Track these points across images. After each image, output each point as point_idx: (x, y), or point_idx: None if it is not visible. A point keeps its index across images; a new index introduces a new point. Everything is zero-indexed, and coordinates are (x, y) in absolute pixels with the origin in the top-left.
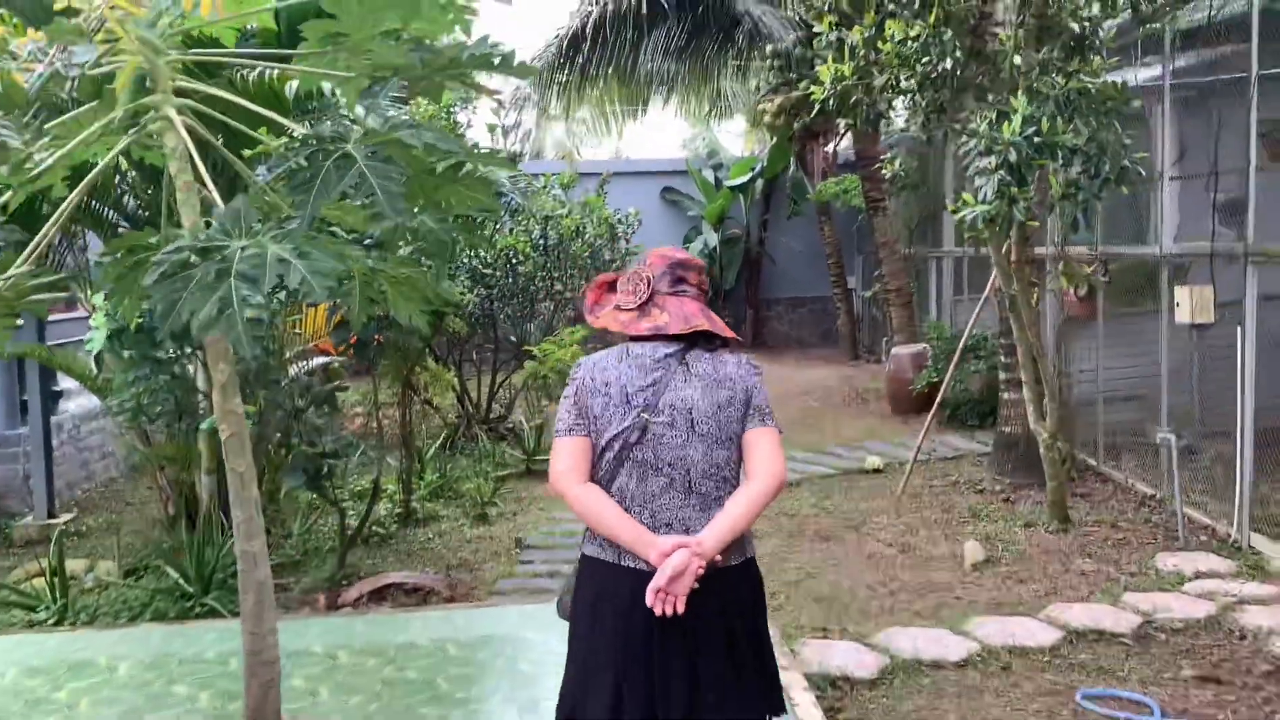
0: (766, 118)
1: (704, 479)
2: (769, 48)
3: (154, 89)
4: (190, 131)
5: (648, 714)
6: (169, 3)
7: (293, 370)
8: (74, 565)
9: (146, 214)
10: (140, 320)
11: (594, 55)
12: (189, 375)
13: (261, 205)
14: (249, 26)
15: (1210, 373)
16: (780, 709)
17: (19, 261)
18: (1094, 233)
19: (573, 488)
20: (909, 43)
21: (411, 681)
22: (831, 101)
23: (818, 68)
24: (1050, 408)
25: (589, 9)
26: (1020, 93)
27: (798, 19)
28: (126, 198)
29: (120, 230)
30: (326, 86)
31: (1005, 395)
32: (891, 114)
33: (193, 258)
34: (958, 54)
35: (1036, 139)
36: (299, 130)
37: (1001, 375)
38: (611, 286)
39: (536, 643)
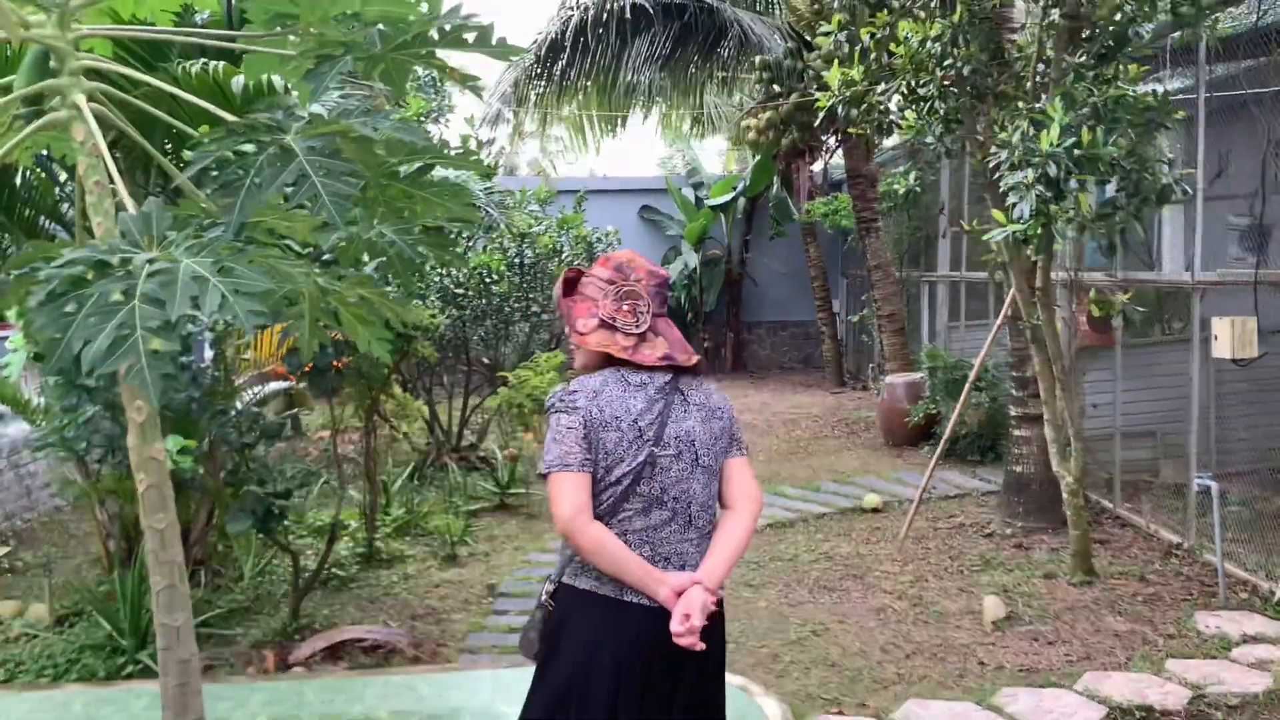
0: (751, 134)
1: (702, 511)
2: (757, 59)
3: (59, 71)
4: (107, 124)
5: None
6: None
7: (246, 398)
8: (4, 608)
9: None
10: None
11: (574, 63)
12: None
13: (196, 213)
14: (196, 15)
15: (1241, 410)
16: None
17: None
18: (1114, 257)
19: (587, 529)
20: (928, 43)
21: None
22: (842, 108)
23: (825, 73)
24: (1075, 449)
25: (570, 13)
26: (1057, 99)
27: (788, 28)
28: (66, 206)
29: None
30: (279, 81)
31: (1017, 432)
32: (902, 124)
33: (89, 274)
34: (982, 55)
35: (1076, 151)
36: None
37: (1012, 410)
38: (574, 283)
39: (511, 717)
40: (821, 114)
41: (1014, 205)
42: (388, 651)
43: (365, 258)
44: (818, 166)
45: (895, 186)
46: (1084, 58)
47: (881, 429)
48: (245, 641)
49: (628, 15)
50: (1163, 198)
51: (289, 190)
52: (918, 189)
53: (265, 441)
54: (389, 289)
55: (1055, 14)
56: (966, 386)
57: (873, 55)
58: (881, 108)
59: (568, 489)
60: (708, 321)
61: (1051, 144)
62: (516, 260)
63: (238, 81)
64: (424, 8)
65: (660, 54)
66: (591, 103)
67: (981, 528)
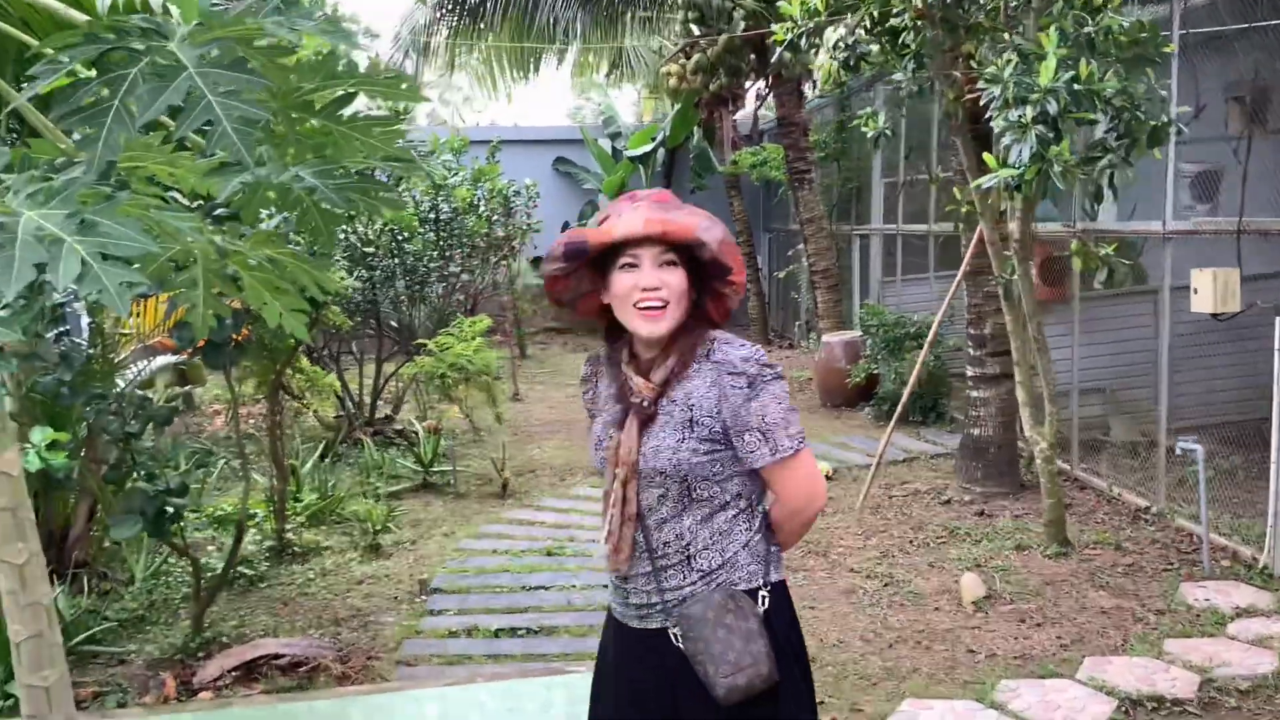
0: (672, 80)
1: None
2: None
3: None
4: None
5: None
6: None
7: (128, 378)
8: None
9: None
10: None
11: None
12: None
13: (54, 154)
14: None
15: (1196, 365)
16: None
17: None
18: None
19: None
20: None
21: None
22: (805, 40)
23: (781, 3)
24: (1049, 412)
25: None
26: (1052, 29)
27: None
28: None
29: None
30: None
31: (974, 393)
32: (869, 59)
33: None
34: None
35: (1076, 86)
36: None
37: (969, 370)
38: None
39: None
40: (778, 49)
41: (1008, 148)
42: (310, 669)
43: (265, 212)
44: (742, 115)
45: (864, 129)
46: None
47: (819, 389)
48: (140, 661)
49: None
50: (1155, 139)
51: (170, 115)
52: (888, 132)
53: (154, 429)
54: (297, 248)
55: None
56: (925, 345)
57: None
58: (848, 43)
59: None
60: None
61: (1052, 78)
62: (431, 215)
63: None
64: None
65: None
66: (503, 43)
67: (938, 494)
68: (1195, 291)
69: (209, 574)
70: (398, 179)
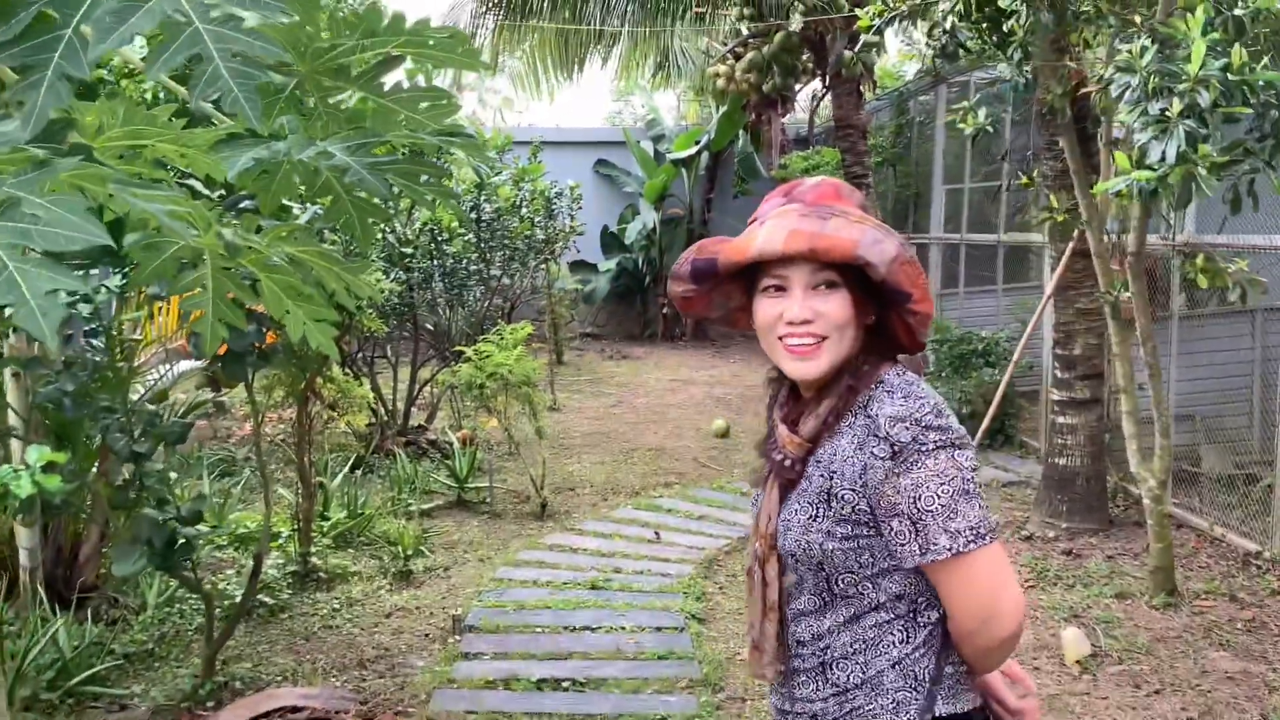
0: (719, 80)
1: None
2: None
3: None
4: None
5: None
6: None
7: (148, 385)
8: None
9: None
10: None
11: None
12: None
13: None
14: None
15: None
16: None
17: None
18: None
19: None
20: None
21: None
22: (898, 22)
23: None
24: (1162, 446)
25: None
26: (1199, 9)
27: None
28: None
29: None
30: None
31: (1060, 419)
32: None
33: None
34: None
35: (1230, 76)
36: None
37: (1055, 394)
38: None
39: None
40: (862, 35)
41: (1145, 145)
42: None
43: (296, 207)
44: (789, 119)
45: (960, 125)
46: None
47: None
48: (144, 706)
49: None
50: None
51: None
52: (990, 128)
53: (166, 448)
54: (330, 248)
55: None
56: (1011, 365)
57: None
58: (946, 27)
59: (1009, 566)
60: (667, 286)
61: (1202, 66)
62: (472, 215)
63: None
64: None
65: None
66: (549, 35)
67: (1018, 528)
68: None
69: (226, 602)
70: (485, 160)
